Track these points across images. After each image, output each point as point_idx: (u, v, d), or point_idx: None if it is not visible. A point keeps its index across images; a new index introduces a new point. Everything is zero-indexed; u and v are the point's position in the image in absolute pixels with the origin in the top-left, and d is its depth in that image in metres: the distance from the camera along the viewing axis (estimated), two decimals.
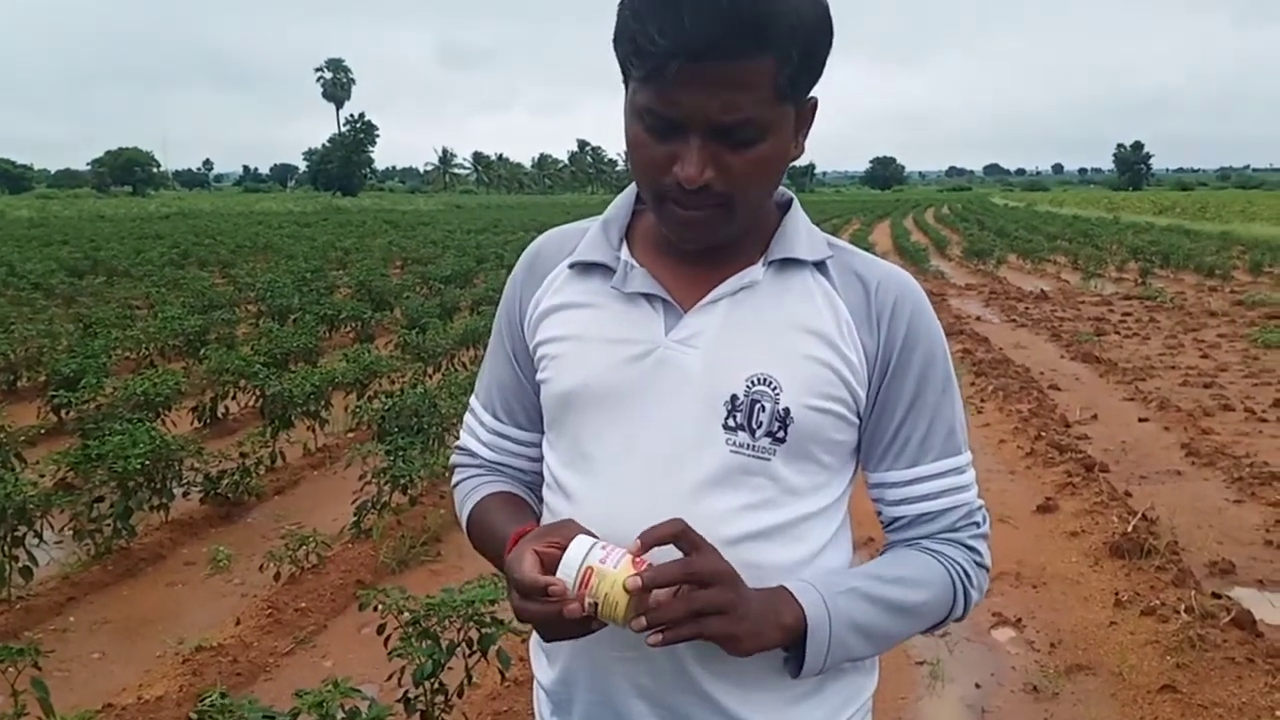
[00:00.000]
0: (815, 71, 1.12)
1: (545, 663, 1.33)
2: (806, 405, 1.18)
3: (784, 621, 1.11)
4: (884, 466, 1.26)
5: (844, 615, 1.13)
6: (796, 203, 1.28)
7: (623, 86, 1.17)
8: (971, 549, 1.25)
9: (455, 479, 1.45)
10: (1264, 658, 3.76)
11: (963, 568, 1.23)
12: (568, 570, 1.05)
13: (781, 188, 1.28)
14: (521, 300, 1.34)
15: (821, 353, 1.19)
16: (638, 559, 1.06)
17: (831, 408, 1.19)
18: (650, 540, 1.06)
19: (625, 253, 1.26)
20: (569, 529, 1.13)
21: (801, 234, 1.24)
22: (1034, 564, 4.93)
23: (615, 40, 1.10)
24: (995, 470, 6.46)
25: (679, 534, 1.07)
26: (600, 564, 1.05)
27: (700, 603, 1.05)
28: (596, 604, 1.05)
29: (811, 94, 1.16)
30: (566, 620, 1.07)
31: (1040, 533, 5.38)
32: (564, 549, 1.08)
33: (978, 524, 1.26)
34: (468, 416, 1.47)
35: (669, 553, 1.08)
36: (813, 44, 1.09)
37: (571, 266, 1.29)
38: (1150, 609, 4.21)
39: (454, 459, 1.48)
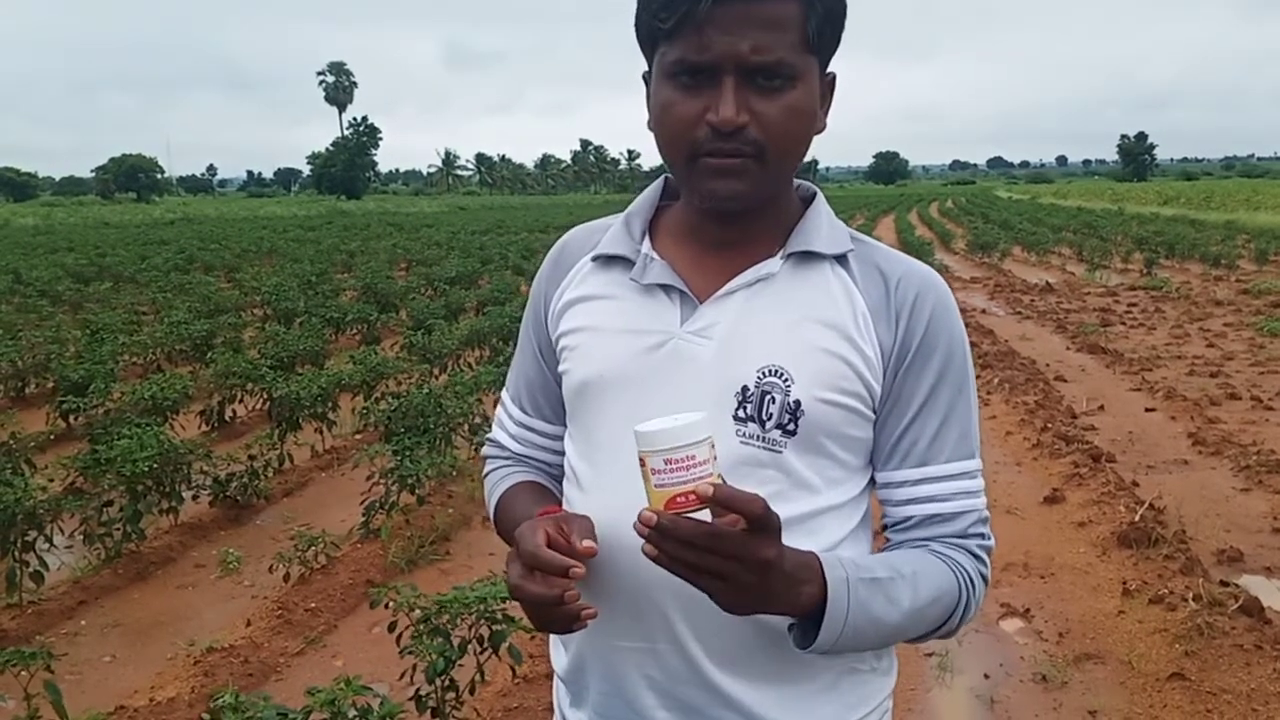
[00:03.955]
0: (836, 32, 1.15)
1: (561, 650, 1.34)
2: (818, 398, 1.17)
3: (802, 601, 1.07)
4: (893, 464, 1.23)
5: (862, 605, 1.10)
6: (820, 196, 1.29)
7: (643, 83, 1.19)
8: (979, 559, 1.23)
9: (485, 470, 1.48)
10: (1272, 644, 3.76)
11: (970, 577, 1.21)
12: (645, 440, 1.00)
13: (807, 182, 1.29)
14: (546, 294, 1.36)
15: (836, 346, 1.18)
16: (692, 496, 0.98)
17: (844, 401, 1.18)
18: (722, 498, 0.98)
19: (647, 245, 1.27)
20: (585, 521, 1.15)
21: (823, 227, 1.24)
22: (1042, 554, 4.93)
23: (637, 16, 1.13)
24: (1002, 462, 6.46)
25: (753, 515, 0.99)
26: (651, 473, 0.99)
27: (707, 562, 0.99)
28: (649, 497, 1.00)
29: (830, 69, 1.18)
30: (557, 610, 1.07)
31: (1048, 523, 5.39)
32: (570, 537, 1.10)
33: (984, 535, 1.24)
34: (498, 409, 1.49)
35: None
36: (835, 1, 1.13)
37: (594, 260, 1.30)
38: (1158, 597, 4.22)
39: (485, 451, 1.50)
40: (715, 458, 1.01)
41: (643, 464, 1.01)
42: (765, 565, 1.02)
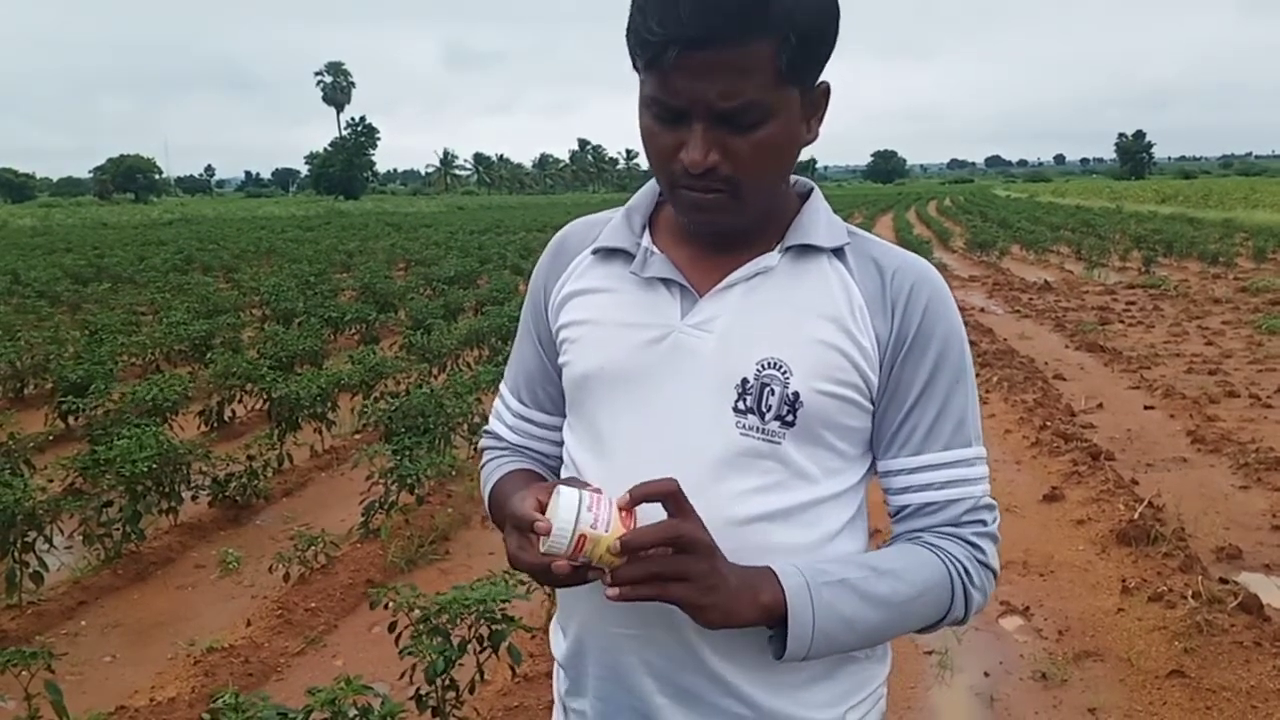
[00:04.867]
0: (818, 55, 1.13)
1: (561, 635, 1.36)
2: (816, 390, 1.18)
3: (761, 600, 1.10)
4: (891, 453, 1.25)
5: (829, 607, 1.12)
6: (817, 191, 1.30)
7: (636, 82, 1.19)
8: (974, 546, 1.23)
9: (482, 461, 1.49)
10: (1271, 641, 3.77)
11: (963, 565, 1.21)
12: (561, 534, 1.05)
13: (804, 178, 1.29)
14: (546, 286, 1.37)
15: (833, 337, 1.20)
16: (624, 513, 1.07)
17: (842, 392, 1.20)
18: (641, 495, 1.07)
19: (647, 239, 1.28)
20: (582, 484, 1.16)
21: (820, 222, 1.25)
22: (1041, 552, 4.94)
23: (626, 35, 1.13)
24: (1001, 460, 6.46)
25: (670, 494, 1.07)
26: (591, 529, 1.05)
27: (663, 566, 1.05)
28: (589, 558, 1.06)
29: (822, 79, 1.16)
30: (555, 573, 1.09)
31: (1047, 521, 5.39)
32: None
33: (984, 522, 1.24)
34: (496, 401, 1.50)
35: (657, 510, 1.08)
36: (813, 27, 1.10)
37: (594, 253, 1.32)
38: (1158, 595, 4.22)
39: (482, 443, 1.51)
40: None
41: (581, 544, 1.05)
42: (709, 549, 1.08)
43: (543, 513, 1.10)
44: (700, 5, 1.03)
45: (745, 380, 1.19)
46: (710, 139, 1.10)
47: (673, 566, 1.06)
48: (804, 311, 1.21)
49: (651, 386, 1.22)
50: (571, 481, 1.17)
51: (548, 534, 1.05)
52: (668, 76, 1.08)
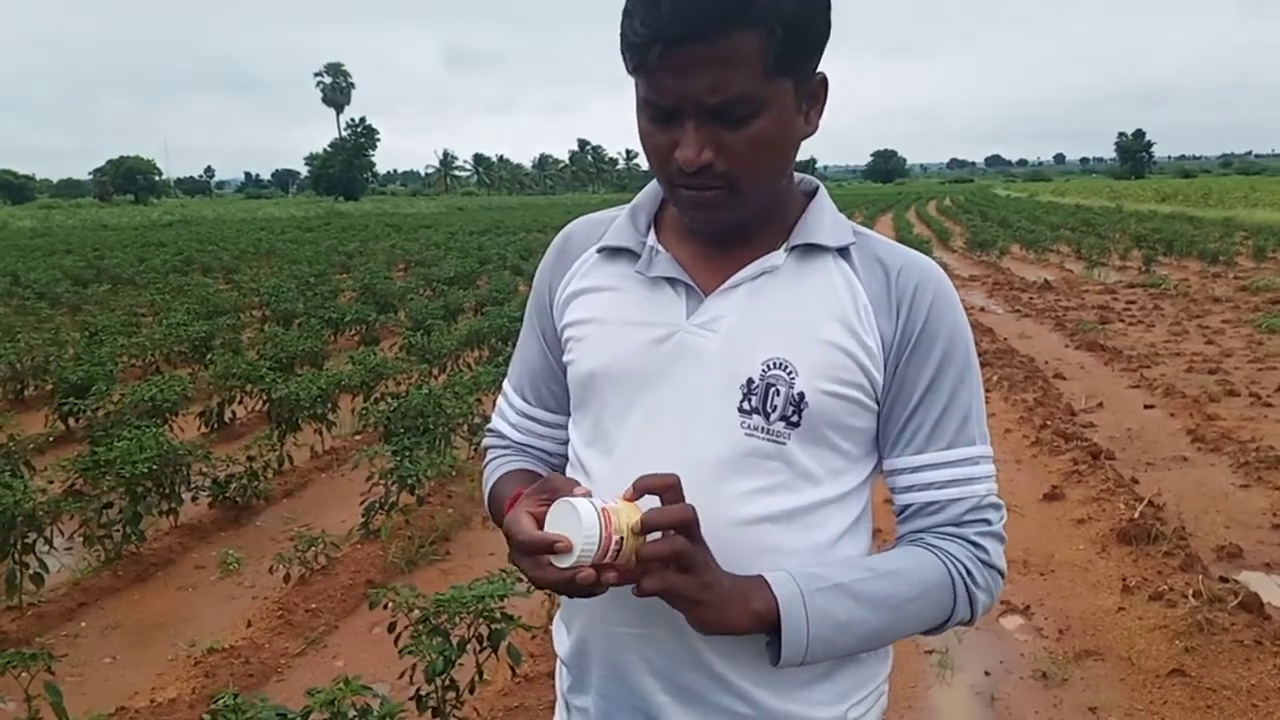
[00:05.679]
0: (808, 46, 1.12)
1: (564, 632, 1.36)
2: (822, 390, 1.18)
3: (753, 608, 1.10)
4: (895, 452, 1.25)
5: (824, 613, 1.12)
6: (823, 190, 1.30)
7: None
8: (976, 545, 1.22)
9: (485, 460, 1.48)
10: (1272, 640, 3.76)
11: (964, 566, 1.20)
12: (590, 542, 1.04)
13: (809, 176, 1.29)
14: (551, 284, 1.37)
15: (839, 338, 1.19)
16: (625, 499, 1.09)
17: (847, 393, 1.19)
18: (644, 487, 1.08)
19: (652, 238, 1.28)
20: (556, 483, 1.14)
21: (825, 221, 1.25)
22: (1042, 552, 4.93)
23: (619, 39, 1.13)
24: (1002, 459, 6.45)
25: (670, 487, 1.08)
26: (616, 512, 1.06)
27: (680, 548, 1.06)
28: (623, 539, 1.05)
29: (819, 70, 1.16)
30: (580, 584, 1.08)
31: (1047, 520, 5.39)
32: (551, 502, 1.10)
33: (988, 521, 1.23)
34: (500, 399, 1.50)
35: (655, 504, 1.09)
36: (800, 17, 1.09)
37: (599, 251, 1.31)
38: (1158, 594, 4.22)
39: (485, 441, 1.51)
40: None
41: (610, 518, 1.05)
42: (706, 545, 1.09)
43: (540, 525, 1.09)
44: (681, 2, 1.04)
45: (750, 380, 1.19)
46: (703, 136, 1.10)
47: (685, 550, 1.06)
48: (809, 311, 1.20)
49: (656, 386, 1.22)
50: (560, 491, 1.15)
51: (569, 551, 1.05)
52: (656, 76, 1.09)
